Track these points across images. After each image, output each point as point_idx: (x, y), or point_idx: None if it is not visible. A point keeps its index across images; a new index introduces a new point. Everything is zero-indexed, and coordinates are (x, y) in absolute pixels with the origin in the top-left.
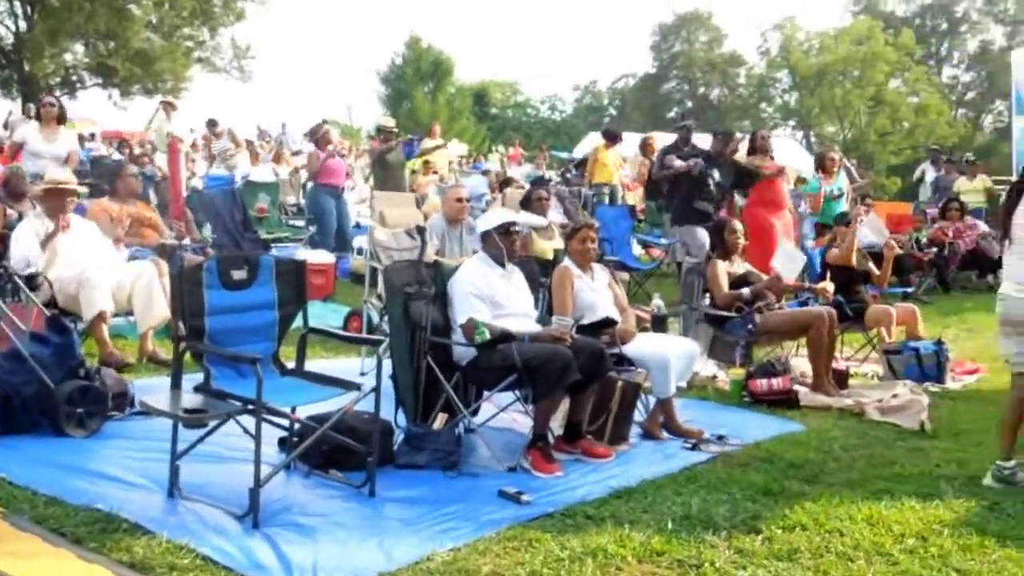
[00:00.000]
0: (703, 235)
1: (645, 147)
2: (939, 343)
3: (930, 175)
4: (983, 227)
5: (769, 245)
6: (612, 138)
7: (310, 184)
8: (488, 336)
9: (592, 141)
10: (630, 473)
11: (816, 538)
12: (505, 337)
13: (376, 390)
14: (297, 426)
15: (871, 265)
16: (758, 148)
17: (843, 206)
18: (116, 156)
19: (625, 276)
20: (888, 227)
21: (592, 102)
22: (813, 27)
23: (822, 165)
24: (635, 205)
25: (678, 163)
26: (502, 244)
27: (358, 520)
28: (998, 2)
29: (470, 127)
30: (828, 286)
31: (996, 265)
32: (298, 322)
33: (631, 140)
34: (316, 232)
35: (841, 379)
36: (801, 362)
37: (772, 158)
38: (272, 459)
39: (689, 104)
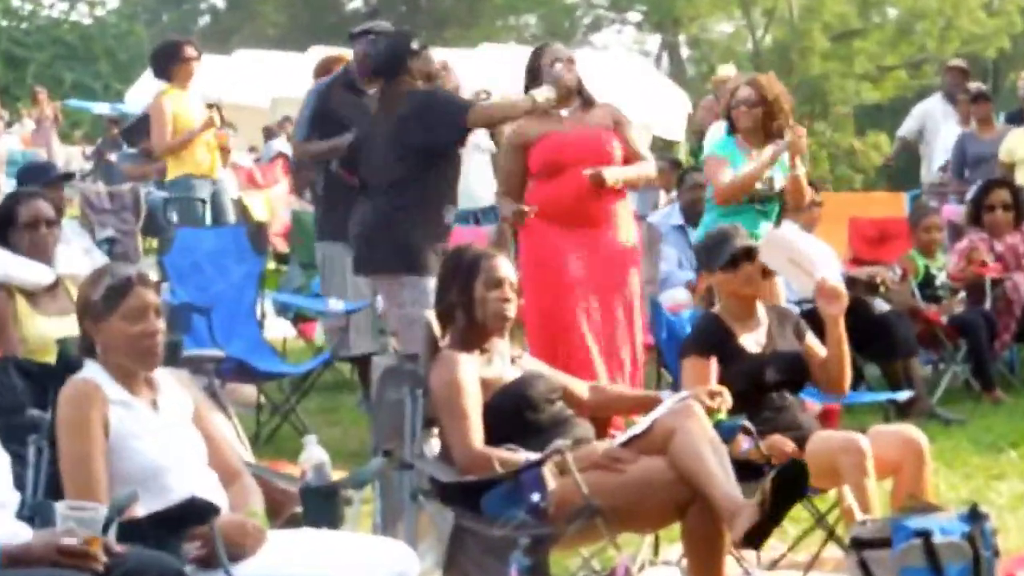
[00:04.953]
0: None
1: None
2: (974, 515)
3: (947, 128)
4: None
5: (555, 297)
6: (166, 65)
7: None
8: None
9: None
10: None
11: None
12: None
13: None
14: None
15: (810, 340)
16: (544, 76)
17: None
18: None
19: (250, 393)
20: (856, 249)
21: None
22: None
23: (731, 118)
24: (264, 223)
25: (327, 144)
26: None
27: None
28: None
29: None
30: (722, 396)
31: None
32: None
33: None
34: None
35: None
36: None
37: (584, 100)
38: None
39: None
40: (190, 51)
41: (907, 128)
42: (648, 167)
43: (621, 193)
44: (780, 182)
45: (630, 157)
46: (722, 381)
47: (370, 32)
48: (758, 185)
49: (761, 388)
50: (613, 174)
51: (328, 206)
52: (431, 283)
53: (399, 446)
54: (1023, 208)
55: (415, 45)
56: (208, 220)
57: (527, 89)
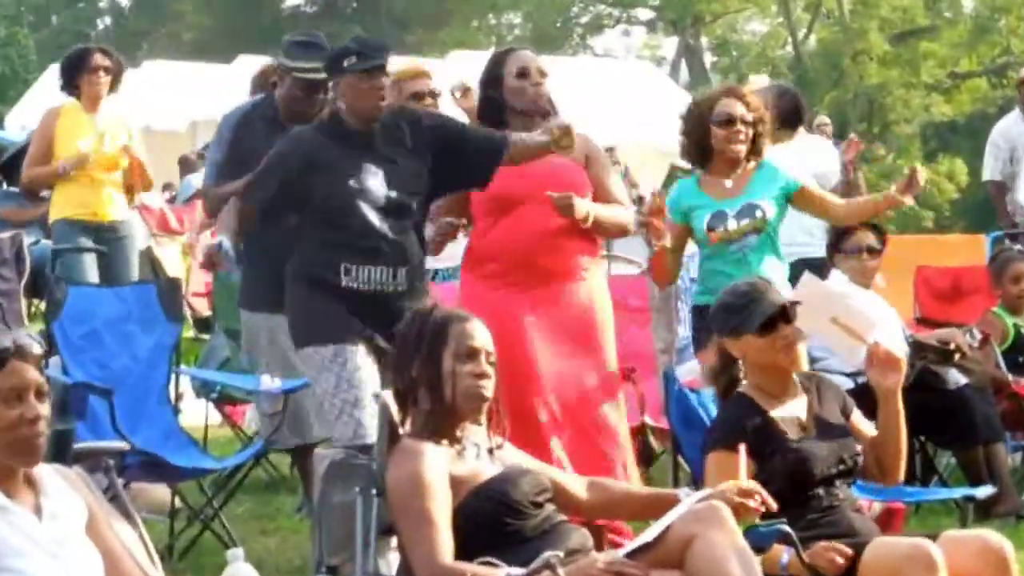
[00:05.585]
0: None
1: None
2: None
3: None
4: None
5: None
6: (70, 78)
7: None
8: None
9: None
10: None
11: None
12: None
13: None
14: None
15: (856, 419)
16: (514, 97)
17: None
18: None
19: (162, 495)
20: (925, 306)
21: None
22: None
23: (702, 144)
24: (179, 280)
25: (235, 185)
26: None
27: None
28: None
29: None
30: (757, 494)
31: None
32: None
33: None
34: None
35: None
36: None
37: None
38: None
39: None
40: (99, 59)
41: (993, 166)
42: (626, 215)
43: (592, 245)
44: (771, 212)
45: (601, 201)
46: (759, 479)
47: (298, 70)
48: (731, 224)
49: (808, 482)
50: (586, 206)
51: (249, 264)
52: (326, 351)
53: (348, 560)
54: None
55: (347, 62)
56: (94, 278)
57: (483, 102)
